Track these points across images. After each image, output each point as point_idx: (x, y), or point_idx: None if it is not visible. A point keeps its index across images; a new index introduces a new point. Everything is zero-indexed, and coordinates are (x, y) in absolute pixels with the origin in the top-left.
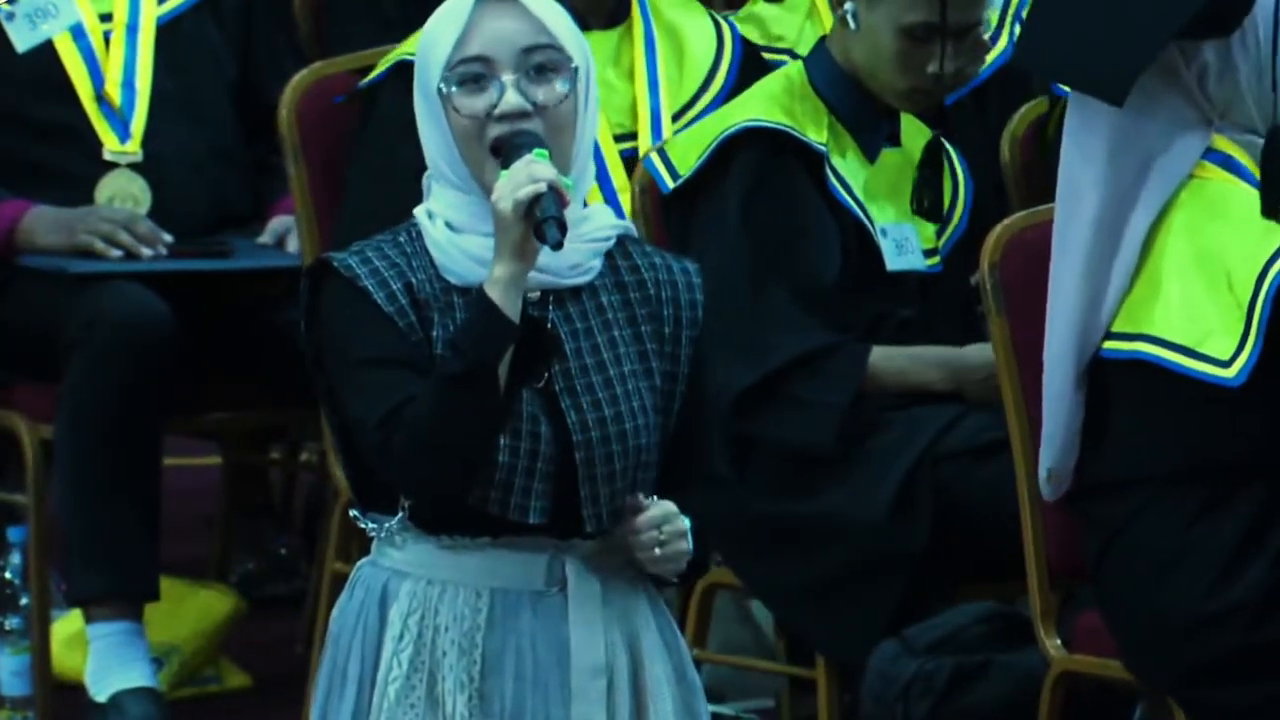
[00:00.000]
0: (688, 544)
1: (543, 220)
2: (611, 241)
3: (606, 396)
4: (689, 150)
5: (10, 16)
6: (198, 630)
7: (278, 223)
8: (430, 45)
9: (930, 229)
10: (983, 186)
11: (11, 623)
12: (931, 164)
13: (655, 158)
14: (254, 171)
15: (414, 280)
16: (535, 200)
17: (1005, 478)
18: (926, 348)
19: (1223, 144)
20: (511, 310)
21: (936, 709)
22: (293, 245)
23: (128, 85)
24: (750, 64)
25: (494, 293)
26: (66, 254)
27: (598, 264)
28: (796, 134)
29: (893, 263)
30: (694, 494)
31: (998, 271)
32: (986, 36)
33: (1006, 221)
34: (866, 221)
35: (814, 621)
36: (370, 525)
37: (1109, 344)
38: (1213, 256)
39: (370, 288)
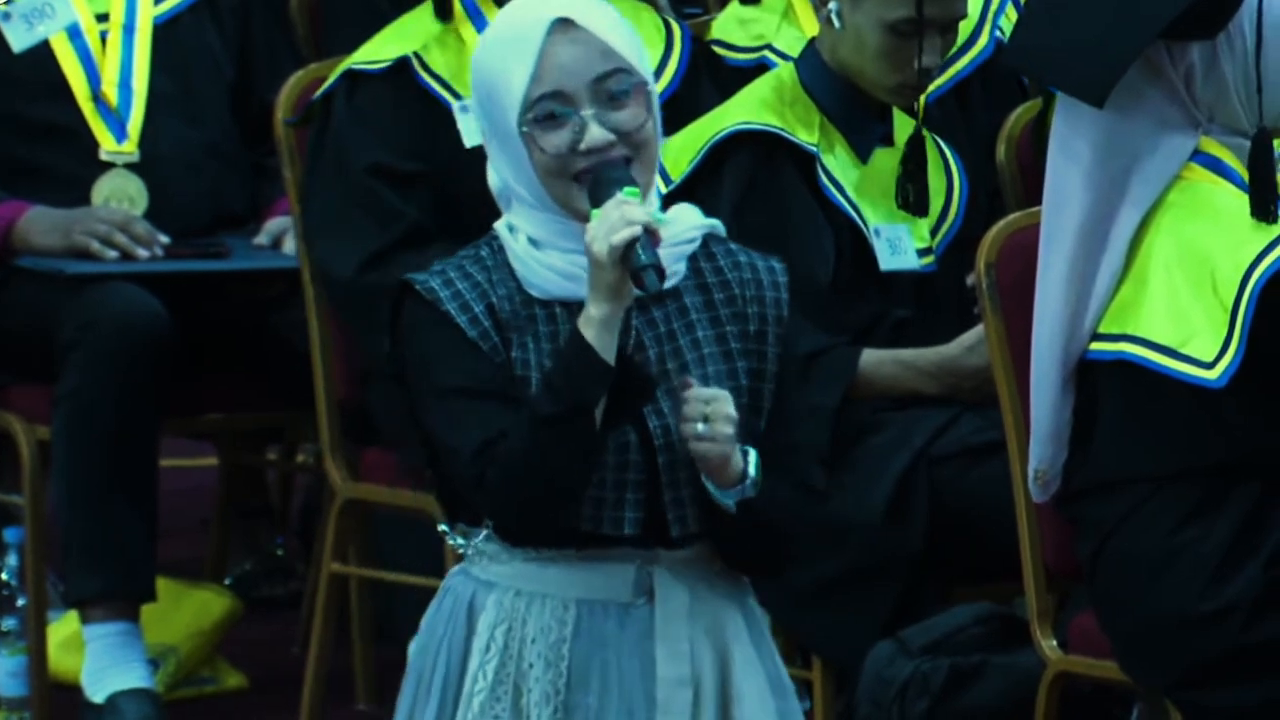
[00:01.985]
0: (730, 428)
1: (641, 269)
2: (696, 244)
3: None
4: (681, 155)
5: (7, 17)
6: (194, 631)
7: (274, 224)
8: (500, 82)
9: (924, 228)
10: (973, 186)
11: (8, 624)
12: (914, 159)
13: None
14: (251, 172)
15: (495, 299)
16: (631, 244)
17: (1001, 478)
18: (919, 351)
19: (1210, 146)
20: (606, 350)
21: (933, 710)
22: (289, 246)
23: (124, 85)
24: (701, 62)
25: (589, 333)
26: (63, 255)
27: (681, 268)
28: (787, 135)
29: (886, 263)
30: (783, 493)
31: (994, 272)
32: (968, 33)
33: (1002, 222)
34: (859, 221)
35: (810, 623)
36: (458, 540)
37: (1095, 345)
38: (1198, 258)
39: (453, 311)
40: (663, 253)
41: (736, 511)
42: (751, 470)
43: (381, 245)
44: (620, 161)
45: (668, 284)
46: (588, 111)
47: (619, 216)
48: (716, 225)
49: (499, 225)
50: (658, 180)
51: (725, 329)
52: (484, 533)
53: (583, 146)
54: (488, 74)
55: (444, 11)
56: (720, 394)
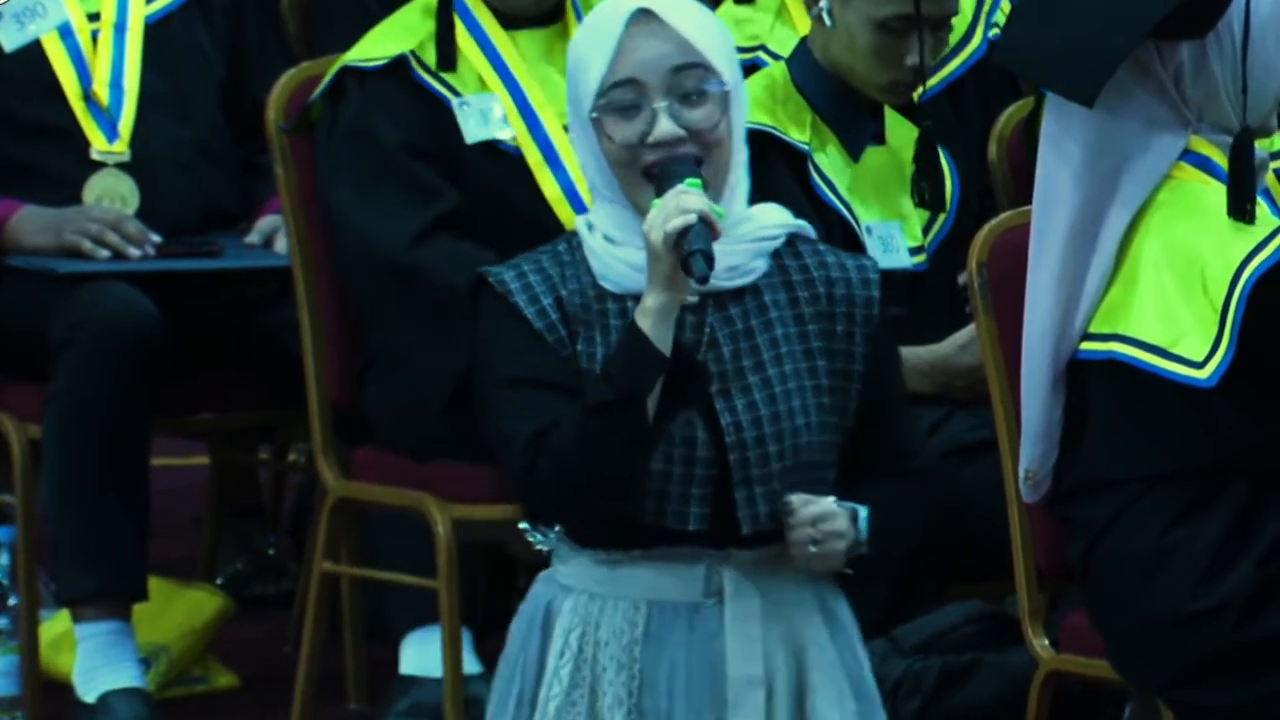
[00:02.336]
0: (843, 543)
1: (689, 254)
2: (778, 241)
3: (764, 397)
4: None
5: None
6: (186, 630)
7: (266, 222)
8: (581, 68)
9: (916, 227)
10: (965, 184)
11: (0, 623)
12: (926, 155)
13: None
14: (242, 171)
15: (565, 292)
16: (685, 232)
17: (993, 477)
18: (913, 349)
19: (1200, 145)
20: (661, 340)
21: (925, 709)
22: (281, 245)
23: (115, 85)
24: None
25: (645, 323)
26: (54, 254)
27: (761, 265)
28: (779, 134)
29: (879, 261)
30: (886, 489)
31: (985, 271)
32: (961, 33)
33: (994, 221)
34: (851, 220)
35: None
36: (538, 539)
37: (1085, 345)
38: (1187, 257)
39: (521, 303)
40: (740, 248)
41: (883, 554)
42: (863, 534)
43: (426, 222)
44: (689, 159)
45: (745, 280)
46: (660, 104)
47: (675, 205)
48: (804, 226)
49: (579, 221)
50: (740, 182)
51: (808, 327)
52: (557, 531)
53: (651, 139)
54: (573, 63)
55: (445, 25)
56: (827, 512)
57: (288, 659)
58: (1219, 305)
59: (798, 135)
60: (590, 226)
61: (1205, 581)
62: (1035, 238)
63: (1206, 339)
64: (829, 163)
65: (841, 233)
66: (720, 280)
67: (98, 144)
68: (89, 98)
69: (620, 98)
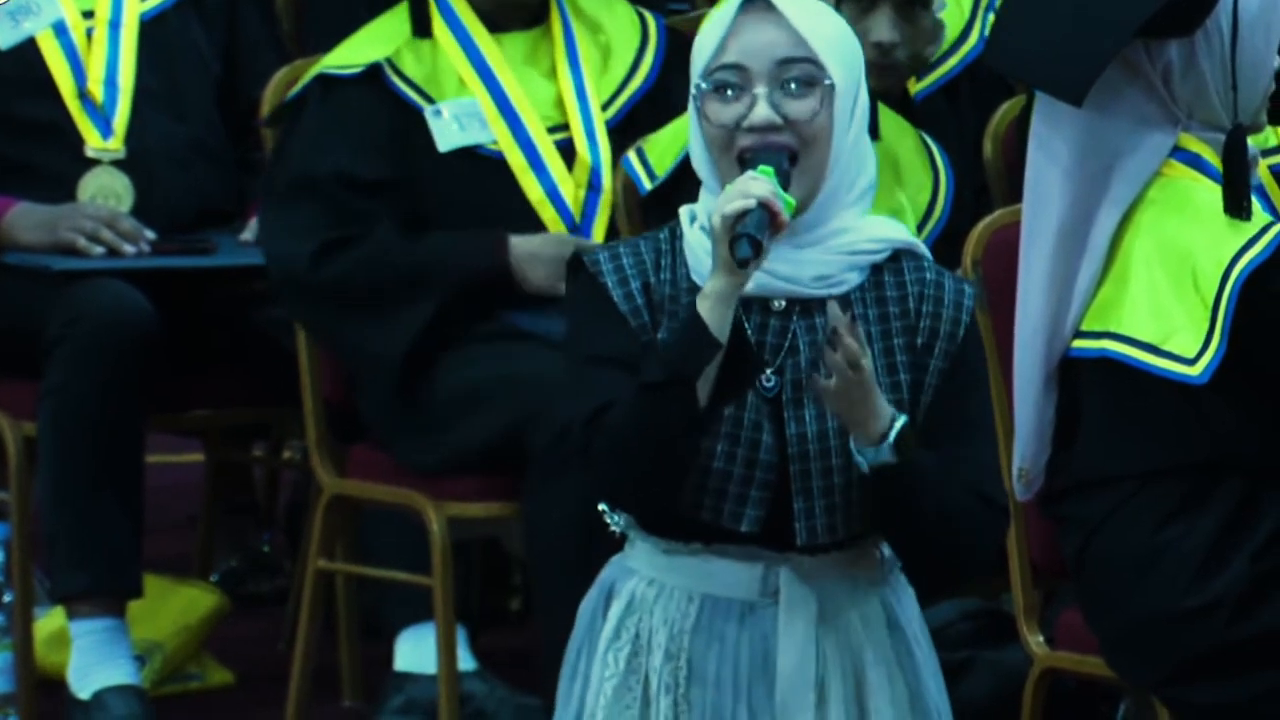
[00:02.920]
0: (864, 395)
1: (736, 237)
2: (878, 256)
3: (834, 410)
4: (665, 151)
5: None
6: (180, 627)
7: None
8: (697, 50)
9: (910, 222)
10: (959, 181)
11: None
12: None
13: (634, 158)
14: (237, 168)
15: (654, 280)
16: (741, 216)
17: None
18: None
19: (1190, 143)
20: (717, 325)
21: None
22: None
23: (110, 82)
24: (678, 51)
25: (703, 307)
26: (49, 251)
27: (854, 277)
28: None
29: None
30: (958, 496)
31: (980, 269)
32: (958, 32)
33: (989, 219)
34: None
35: None
36: (615, 519)
37: (1077, 342)
38: (1178, 254)
39: (610, 284)
40: (833, 257)
41: (901, 502)
42: (892, 434)
43: (333, 236)
44: (783, 149)
45: (835, 290)
46: (761, 90)
47: (739, 189)
48: (915, 243)
49: (683, 211)
50: (846, 189)
51: (894, 341)
52: (627, 516)
53: (746, 123)
54: (695, 46)
55: (422, 28)
56: (866, 366)
57: (282, 656)
58: (1210, 302)
59: None
60: (692, 217)
61: (1199, 578)
62: (1026, 237)
63: (1198, 336)
64: None
65: None
66: (807, 288)
67: (92, 141)
68: (84, 95)
69: (723, 79)
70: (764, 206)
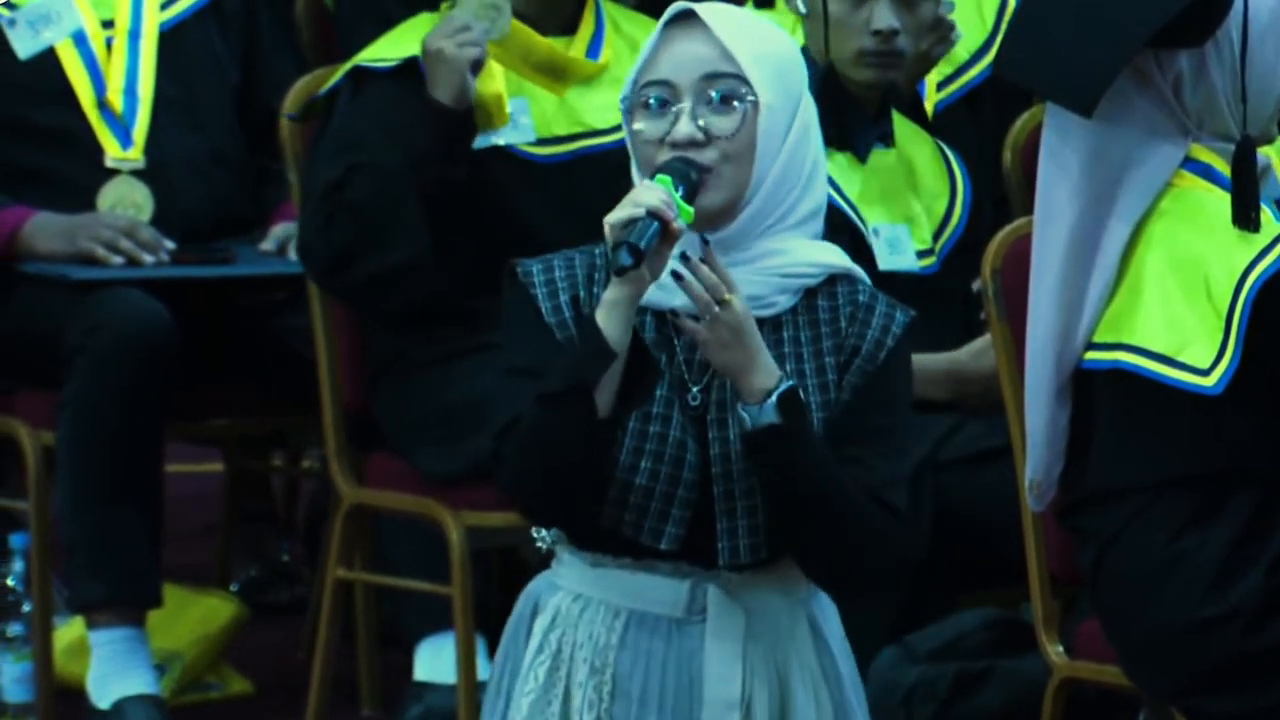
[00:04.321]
0: (733, 336)
1: (616, 245)
2: (811, 280)
3: None
4: None
5: (12, 23)
6: (200, 637)
7: (280, 229)
8: (635, 65)
9: (925, 230)
10: (978, 191)
11: (14, 629)
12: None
13: None
14: (256, 177)
15: (584, 294)
16: (630, 224)
17: (1004, 485)
18: (927, 356)
19: (1201, 153)
20: (614, 334)
21: (939, 715)
22: (294, 252)
23: (130, 92)
24: None
25: (599, 315)
26: (68, 261)
27: (785, 300)
28: None
29: (884, 263)
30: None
31: (998, 278)
32: (980, 41)
33: (1007, 228)
34: (859, 222)
35: None
36: (538, 536)
37: (1090, 354)
38: (1191, 265)
39: (539, 296)
40: (764, 279)
41: (782, 472)
42: (775, 394)
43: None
44: (695, 164)
45: (764, 312)
46: (685, 105)
47: (631, 197)
48: (853, 269)
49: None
50: (771, 211)
51: (825, 360)
52: (554, 531)
53: (669, 138)
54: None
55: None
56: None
57: (302, 665)
58: (1224, 312)
59: None
60: None
61: (1215, 589)
62: (1037, 248)
63: (1212, 346)
64: (836, 166)
65: (849, 235)
66: None
67: (112, 151)
68: (103, 105)
69: (649, 95)
70: (653, 215)
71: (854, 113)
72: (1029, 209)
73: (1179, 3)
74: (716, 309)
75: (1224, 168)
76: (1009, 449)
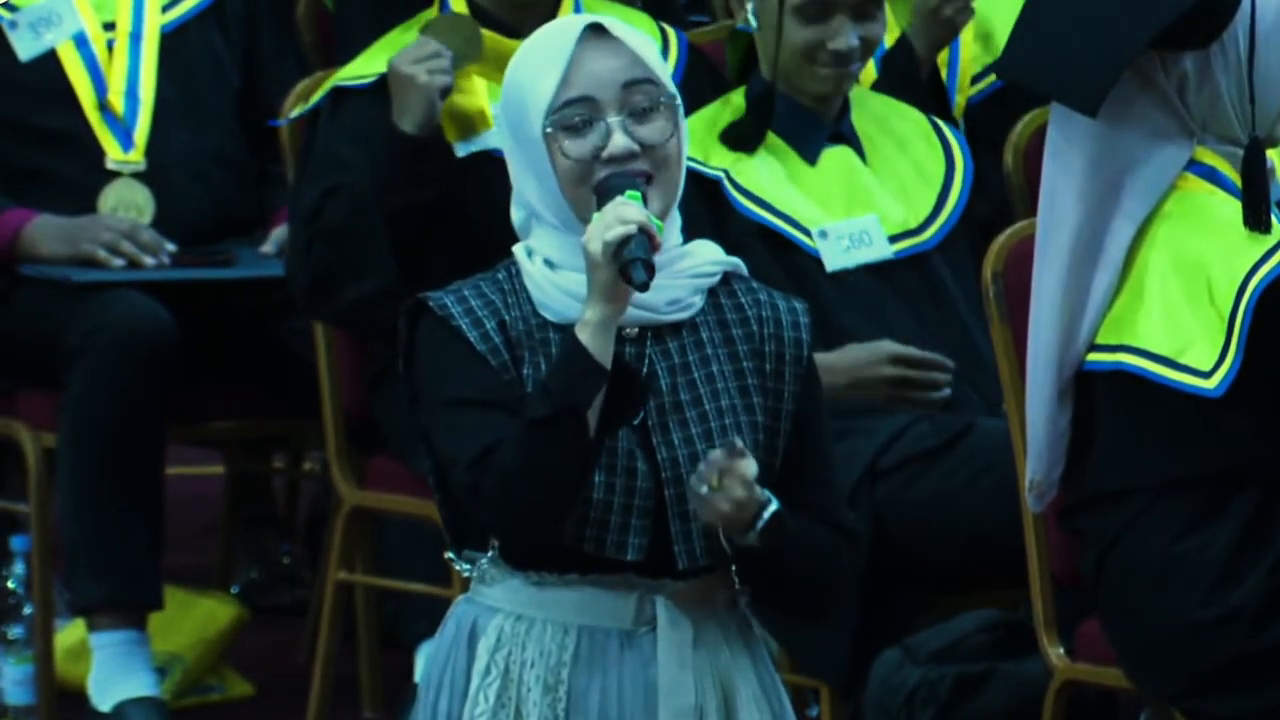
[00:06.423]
0: (742, 492)
1: (629, 262)
2: (715, 278)
3: (700, 432)
4: None
5: (13, 25)
6: (201, 639)
7: (281, 231)
8: (527, 88)
9: (897, 214)
10: (979, 172)
11: (15, 632)
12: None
13: None
14: (257, 180)
15: (508, 318)
16: (624, 242)
17: (947, 485)
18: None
19: (1205, 155)
20: (601, 353)
21: (940, 718)
22: None
23: (131, 94)
24: (698, 66)
25: (584, 335)
26: (69, 263)
27: (699, 300)
28: (692, 168)
29: (834, 263)
30: (809, 524)
31: (1001, 280)
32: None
33: (1010, 230)
34: (789, 227)
35: (785, 638)
36: (464, 565)
37: (1092, 356)
38: (1194, 267)
39: (464, 327)
40: (681, 282)
41: (771, 558)
42: (760, 522)
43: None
44: (639, 174)
45: (684, 315)
46: (614, 119)
47: (614, 215)
48: (738, 264)
49: (517, 249)
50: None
51: (743, 364)
52: (489, 556)
53: (605, 154)
54: (517, 85)
55: None
56: (742, 471)
57: (303, 668)
58: (1226, 315)
59: (718, 161)
60: (530, 253)
61: (1217, 590)
62: (1040, 249)
63: (1214, 348)
64: (769, 175)
65: (770, 244)
66: (660, 313)
67: (113, 153)
68: (104, 107)
69: (574, 114)
70: (641, 230)
71: (799, 116)
72: (1031, 210)
73: (1183, 1)
74: (741, 493)
75: (1228, 170)
76: (945, 447)
